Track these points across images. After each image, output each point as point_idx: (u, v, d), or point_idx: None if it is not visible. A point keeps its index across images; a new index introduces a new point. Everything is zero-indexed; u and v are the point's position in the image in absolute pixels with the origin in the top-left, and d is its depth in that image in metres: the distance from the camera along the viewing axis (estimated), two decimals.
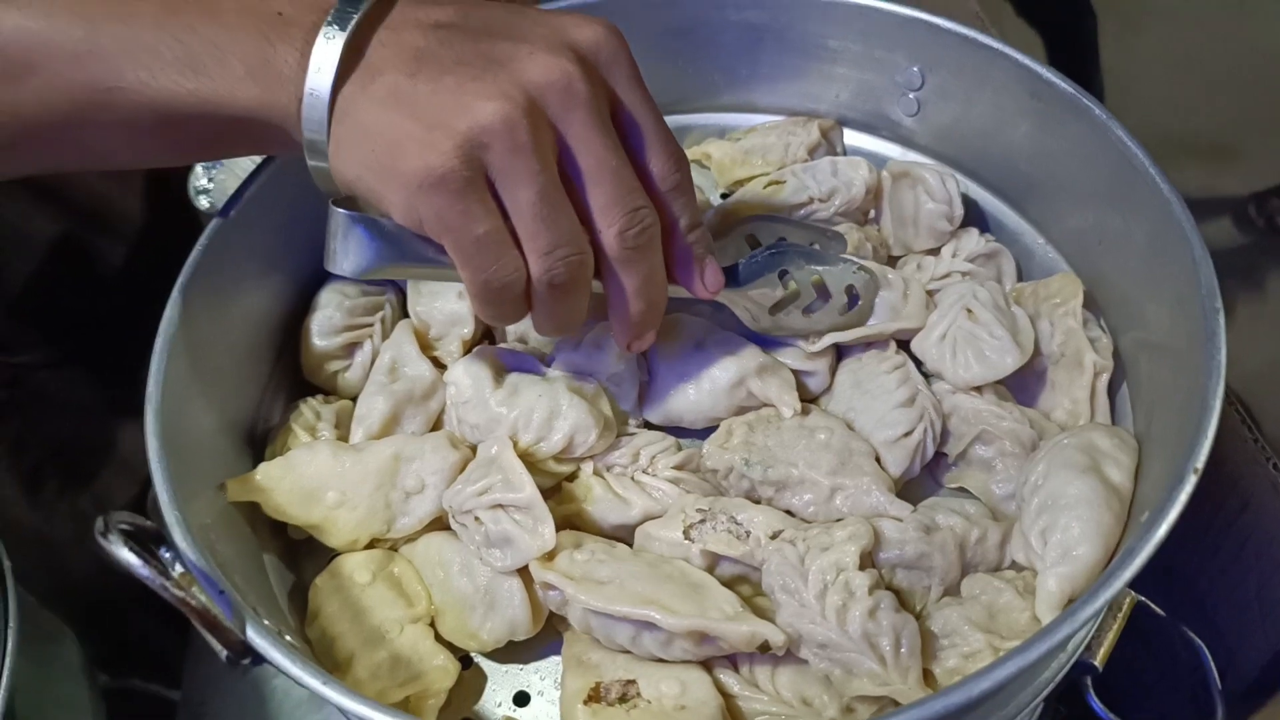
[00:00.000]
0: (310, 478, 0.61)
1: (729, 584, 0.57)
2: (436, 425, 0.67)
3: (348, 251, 0.49)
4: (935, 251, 0.72)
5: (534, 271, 0.48)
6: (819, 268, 0.62)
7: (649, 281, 0.51)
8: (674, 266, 0.53)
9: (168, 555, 0.49)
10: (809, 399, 0.65)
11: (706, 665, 0.55)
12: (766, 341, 0.65)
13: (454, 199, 0.45)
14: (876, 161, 0.76)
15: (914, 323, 0.64)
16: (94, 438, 0.91)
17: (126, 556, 0.46)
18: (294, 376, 0.71)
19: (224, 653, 0.49)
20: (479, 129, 0.44)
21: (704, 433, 0.64)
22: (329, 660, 0.58)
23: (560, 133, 0.46)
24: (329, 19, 0.47)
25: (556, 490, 0.63)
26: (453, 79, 0.45)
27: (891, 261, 0.74)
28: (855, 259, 0.65)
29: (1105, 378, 0.63)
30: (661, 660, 0.55)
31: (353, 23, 0.47)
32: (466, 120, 0.44)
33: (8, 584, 0.63)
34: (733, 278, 0.59)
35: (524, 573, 0.58)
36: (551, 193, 0.46)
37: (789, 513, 0.60)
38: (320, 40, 0.46)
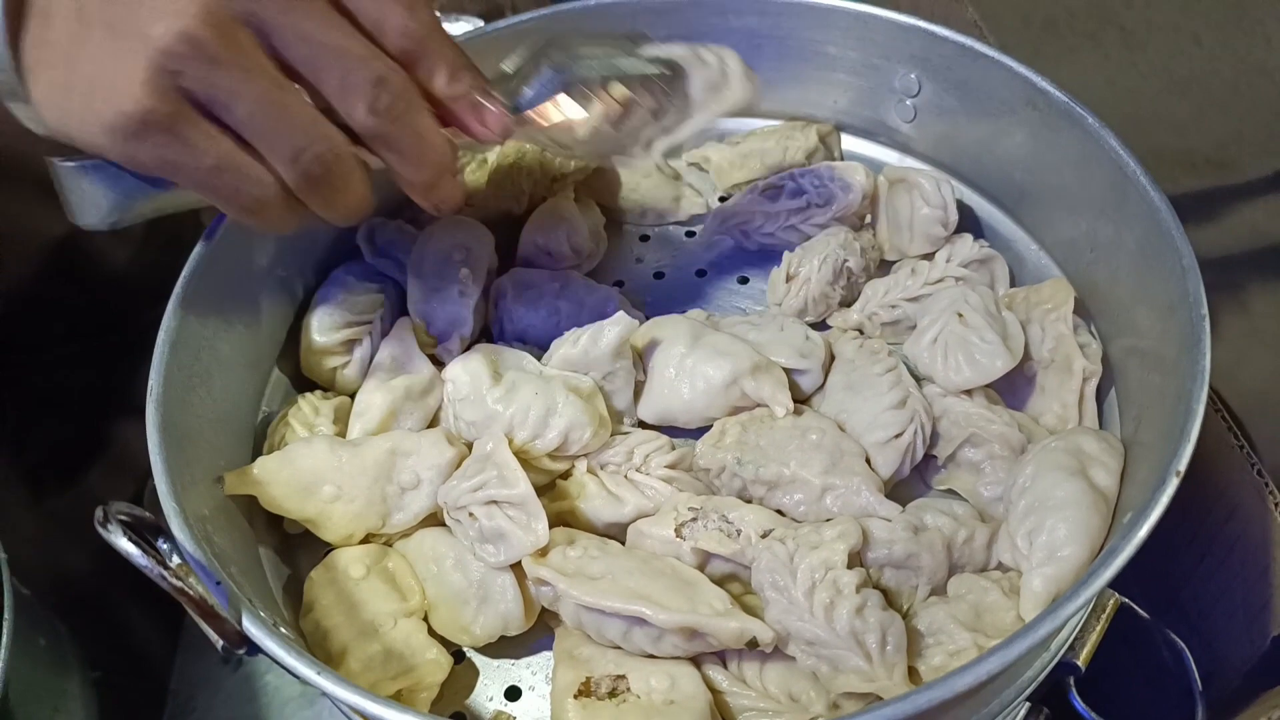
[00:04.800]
0: (307, 471, 0.61)
1: (719, 581, 0.57)
2: (434, 422, 0.68)
3: (84, 204, 0.46)
4: (930, 256, 0.72)
5: (287, 178, 0.44)
6: (608, 72, 0.55)
7: (420, 144, 0.47)
8: (448, 117, 0.49)
9: (165, 546, 0.49)
10: (801, 399, 0.66)
11: (696, 661, 0.56)
12: (761, 344, 0.66)
13: (166, 138, 0.41)
14: (873, 167, 0.77)
15: (739, 94, 0.58)
16: (92, 435, 0.92)
17: (125, 546, 0.47)
18: (293, 372, 0.72)
19: (220, 643, 0.49)
20: (162, 56, 0.39)
21: (698, 432, 0.65)
22: (322, 652, 0.58)
23: (260, 27, 0.41)
24: None
25: (551, 487, 0.64)
26: (122, 7, 0.40)
27: (886, 266, 0.75)
28: (649, 54, 0.58)
29: (1094, 383, 0.63)
30: (651, 656, 0.55)
31: None
32: (146, 50, 0.39)
33: (2, 578, 0.63)
34: (518, 109, 0.54)
35: (517, 568, 0.58)
36: (272, 96, 0.42)
37: (780, 512, 0.60)
38: None
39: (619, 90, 0.55)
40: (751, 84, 0.59)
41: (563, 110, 0.54)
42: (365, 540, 0.62)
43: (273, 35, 0.41)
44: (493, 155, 0.79)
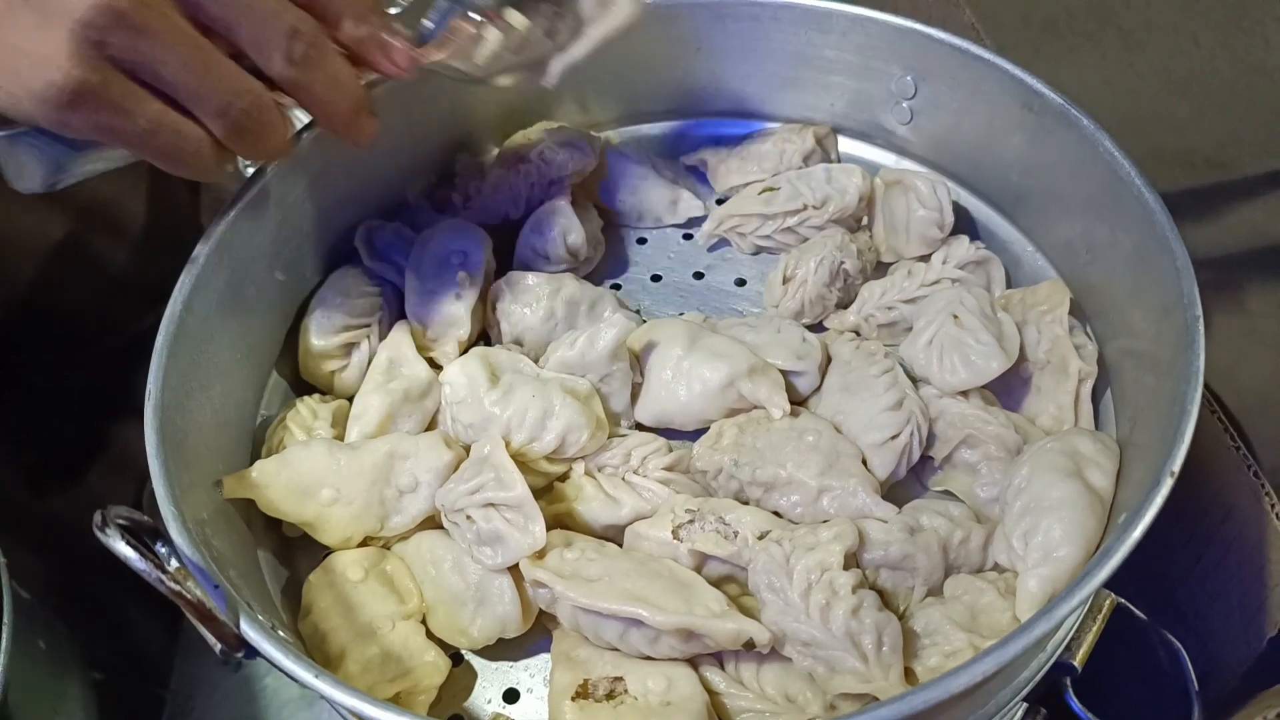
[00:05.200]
0: (306, 474, 0.61)
1: (716, 583, 0.57)
2: (432, 425, 0.68)
3: (21, 171, 0.47)
4: (926, 258, 0.73)
5: (216, 131, 0.47)
6: None
7: (335, 87, 0.50)
8: (356, 58, 0.52)
9: (164, 550, 0.49)
10: (798, 401, 0.66)
11: (693, 662, 0.56)
12: (758, 346, 0.66)
13: (98, 105, 0.43)
14: (870, 169, 0.77)
15: (626, 10, 0.61)
16: (93, 437, 0.92)
17: (123, 550, 0.47)
18: (291, 375, 0.72)
19: (218, 646, 0.49)
20: (85, 28, 0.41)
21: (695, 434, 0.65)
22: (321, 655, 0.58)
23: None
24: None
25: (548, 489, 0.64)
26: None
27: (882, 267, 0.75)
28: None
29: (1089, 384, 0.64)
30: (649, 657, 0.55)
31: None
32: (69, 24, 0.41)
33: (1, 580, 0.63)
34: (422, 42, 0.56)
35: (514, 571, 0.58)
36: (195, 56, 0.44)
37: (777, 513, 0.60)
38: None
39: (514, 15, 0.58)
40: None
41: (461, 38, 0.57)
42: (363, 543, 0.63)
43: None
44: (491, 158, 0.80)
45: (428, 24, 0.56)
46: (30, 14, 0.41)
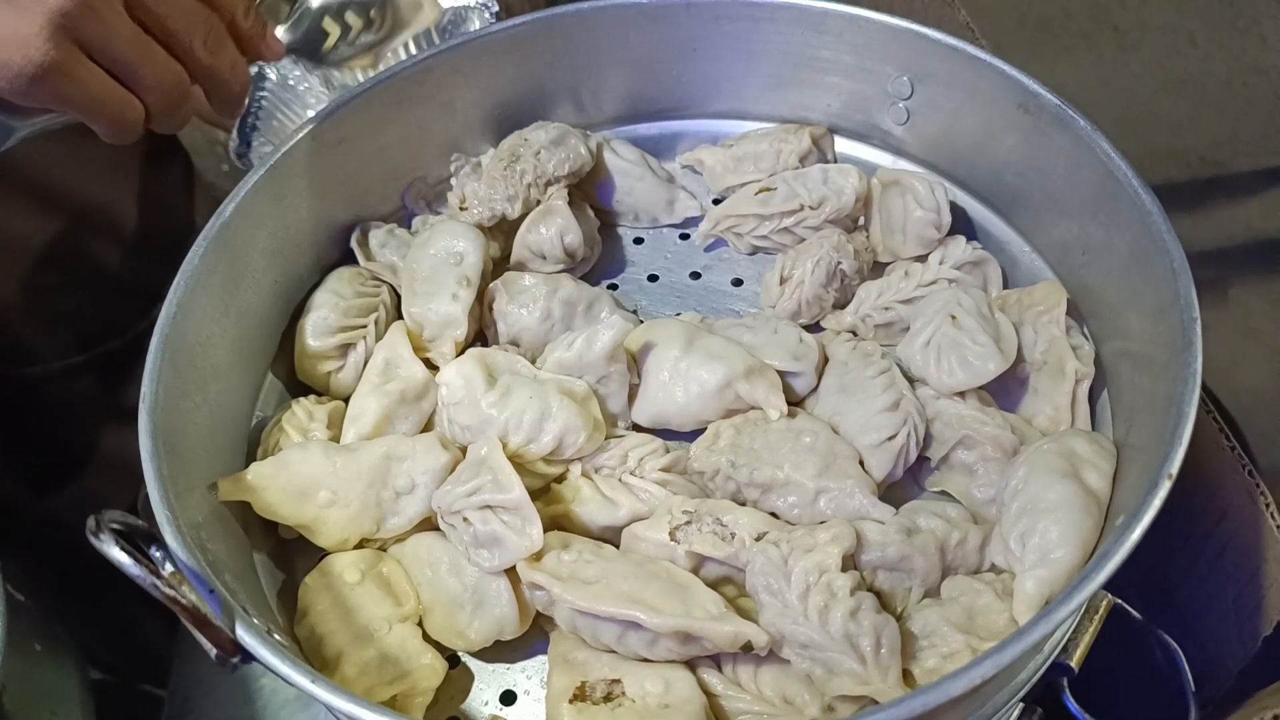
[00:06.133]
0: (302, 477, 0.61)
1: (714, 585, 0.57)
2: (428, 426, 0.67)
3: None
4: (923, 259, 0.73)
5: (149, 103, 0.57)
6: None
7: (234, 67, 0.61)
8: (244, 49, 0.62)
9: (158, 554, 0.49)
10: (795, 401, 0.66)
11: (690, 665, 0.56)
12: (755, 347, 0.66)
13: (65, 80, 0.52)
14: (867, 169, 0.77)
15: (432, 13, 0.73)
16: (91, 439, 0.92)
17: (117, 555, 0.47)
18: (287, 377, 0.72)
19: (213, 651, 0.49)
20: (60, 16, 0.51)
21: (692, 435, 0.65)
22: (318, 658, 0.58)
23: None
24: None
25: (545, 491, 0.64)
26: None
27: (879, 268, 0.75)
28: None
29: (1086, 384, 0.64)
30: (646, 659, 0.55)
31: None
32: (46, 12, 0.50)
33: None
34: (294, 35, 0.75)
35: (512, 573, 0.58)
36: (138, 40, 0.54)
37: (774, 514, 0.60)
38: None
39: (351, 16, 0.75)
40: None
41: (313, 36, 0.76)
42: (360, 545, 0.62)
43: None
44: (487, 158, 0.80)
45: (293, 26, 0.76)
46: (6, 9, 0.50)
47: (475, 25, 0.91)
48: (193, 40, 0.57)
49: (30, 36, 0.50)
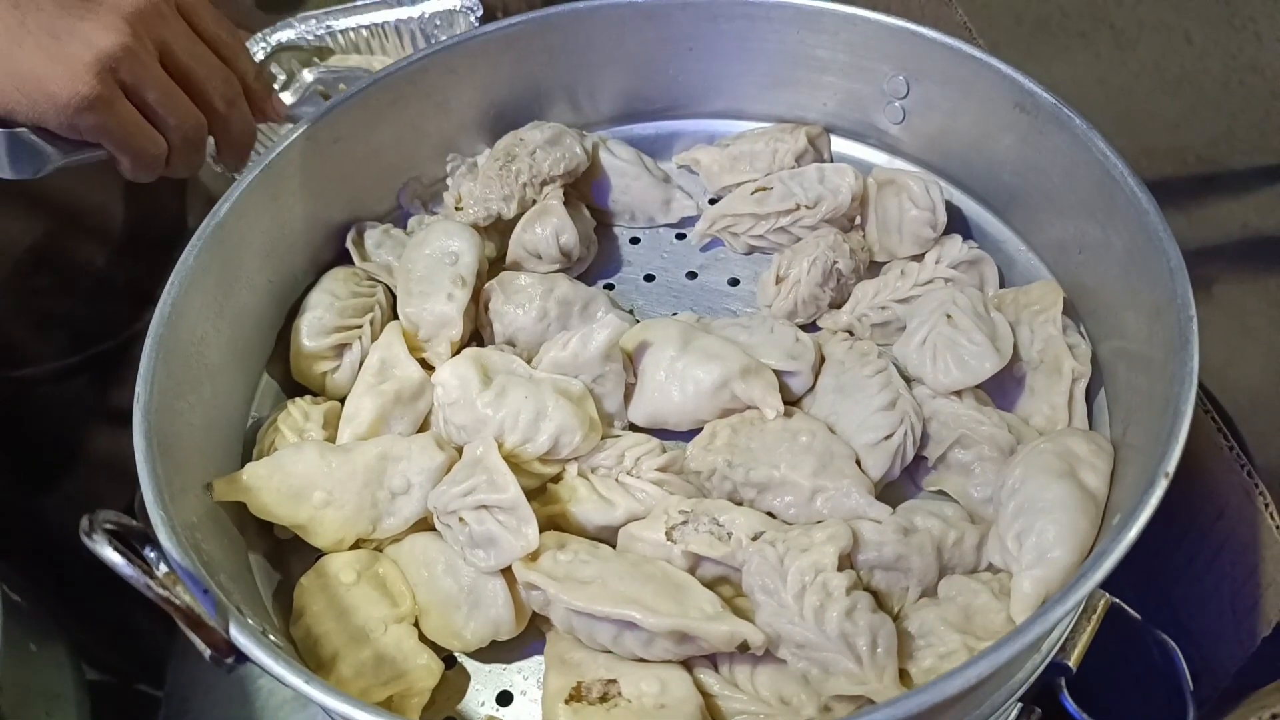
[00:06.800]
0: (297, 477, 0.61)
1: (710, 585, 0.57)
2: (424, 426, 0.67)
3: (17, 160, 0.60)
4: (919, 258, 0.73)
5: (172, 142, 0.62)
6: (330, 77, 0.86)
7: (245, 121, 0.67)
8: (253, 107, 0.68)
9: (153, 555, 0.49)
10: (792, 401, 0.66)
11: (687, 665, 0.56)
12: (751, 346, 0.66)
13: (107, 113, 0.58)
14: (862, 168, 0.77)
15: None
16: (87, 440, 0.92)
17: (110, 556, 0.46)
18: (283, 377, 0.72)
19: (208, 652, 0.49)
20: (108, 57, 0.57)
21: (688, 435, 0.65)
22: (313, 659, 0.58)
23: (161, 44, 0.61)
24: None
25: (541, 491, 0.63)
26: (64, 21, 0.57)
27: (875, 267, 0.75)
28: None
29: (1083, 384, 0.64)
30: (643, 660, 0.55)
31: None
32: (93, 52, 0.56)
33: None
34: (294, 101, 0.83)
35: (508, 573, 0.58)
36: (169, 87, 0.61)
37: (770, 514, 0.60)
38: None
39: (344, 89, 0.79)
40: None
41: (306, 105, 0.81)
42: (356, 546, 0.62)
43: (168, 45, 0.61)
44: (482, 158, 0.79)
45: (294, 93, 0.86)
46: (51, 44, 0.56)
47: (461, 28, 0.96)
48: (213, 93, 0.63)
49: (80, 72, 0.56)
